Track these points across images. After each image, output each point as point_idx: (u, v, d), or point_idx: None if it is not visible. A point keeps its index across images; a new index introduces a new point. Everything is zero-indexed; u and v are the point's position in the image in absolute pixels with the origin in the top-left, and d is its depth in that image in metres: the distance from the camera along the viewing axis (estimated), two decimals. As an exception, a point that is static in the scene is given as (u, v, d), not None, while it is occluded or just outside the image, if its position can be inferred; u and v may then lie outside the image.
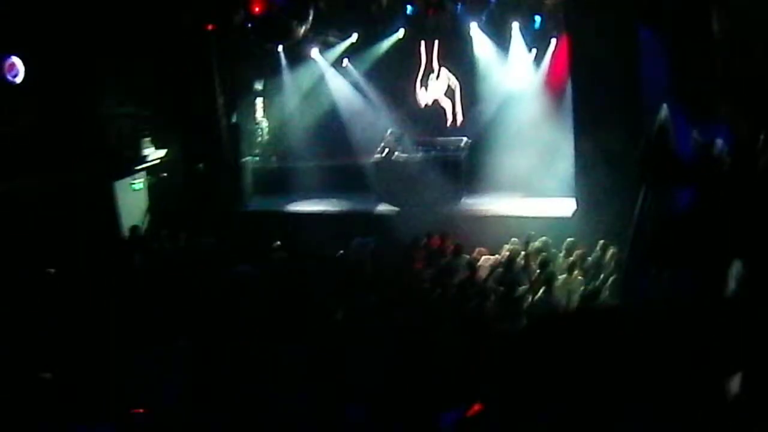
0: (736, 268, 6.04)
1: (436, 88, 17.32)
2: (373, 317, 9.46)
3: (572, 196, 14.24)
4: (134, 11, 14.63)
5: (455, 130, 17.28)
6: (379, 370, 8.10)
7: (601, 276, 10.57)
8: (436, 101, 17.29)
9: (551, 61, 16.59)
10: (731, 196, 6.95)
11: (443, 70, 17.30)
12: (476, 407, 5.14)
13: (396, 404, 7.41)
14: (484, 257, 11.97)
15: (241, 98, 17.75)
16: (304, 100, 18.56)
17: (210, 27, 15.85)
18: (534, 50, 16.80)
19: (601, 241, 11.42)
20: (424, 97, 17.26)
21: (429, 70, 17.29)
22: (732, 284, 6.04)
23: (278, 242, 13.28)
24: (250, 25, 15.53)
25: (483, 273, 11.32)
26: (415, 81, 17.24)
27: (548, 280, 10.09)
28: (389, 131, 16.67)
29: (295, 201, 17.10)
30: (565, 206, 14.50)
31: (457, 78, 17.28)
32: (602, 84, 12.65)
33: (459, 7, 16.16)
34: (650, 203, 7.96)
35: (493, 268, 11.45)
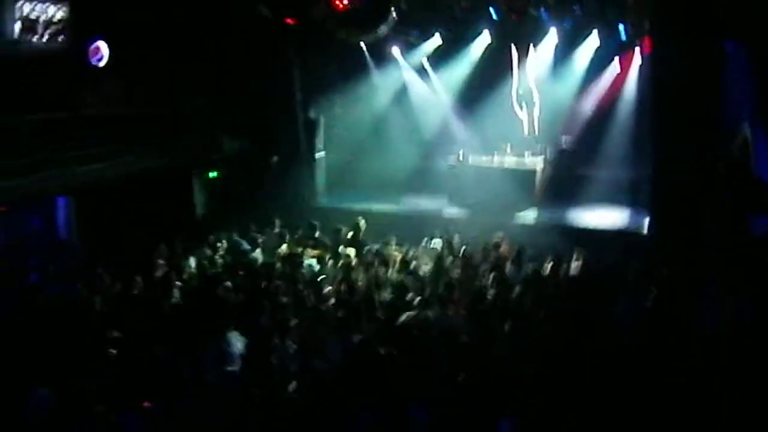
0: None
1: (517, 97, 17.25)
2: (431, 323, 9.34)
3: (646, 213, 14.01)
4: (216, 2, 14.82)
5: (532, 140, 17.10)
6: (440, 373, 8.02)
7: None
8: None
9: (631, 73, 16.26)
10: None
11: (524, 79, 17.17)
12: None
13: (458, 408, 7.35)
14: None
15: (320, 94, 17.73)
16: (383, 99, 18.49)
17: (290, 21, 15.87)
18: (616, 59, 16.43)
19: None
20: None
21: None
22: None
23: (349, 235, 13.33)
24: (330, 19, 15.51)
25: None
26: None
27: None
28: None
29: (367, 198, 17.06)
30: (640, 221, 14.29)
31: (536, 85, 17.10)
32: (683, 99, 12.21)
33: (543, 12, 15.81)
34: (724, 226, 7.61)
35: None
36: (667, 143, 12.79)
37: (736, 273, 7.35)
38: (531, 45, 16.93)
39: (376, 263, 11.93)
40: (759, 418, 6.51)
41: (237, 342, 9.01)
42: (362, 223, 13.62)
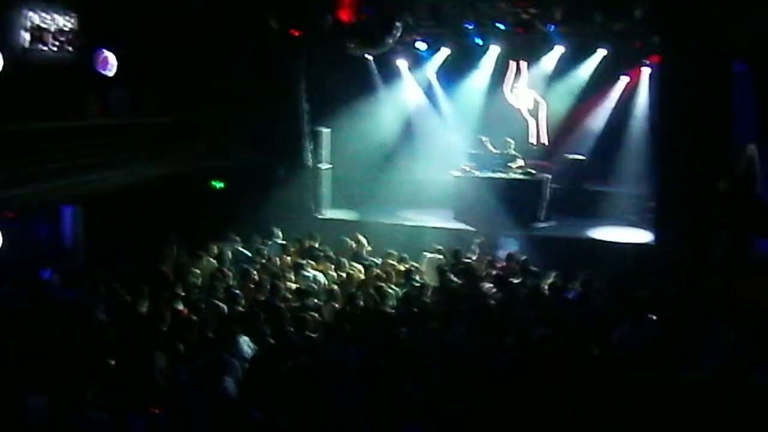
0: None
1: (522, 99, 17.23)
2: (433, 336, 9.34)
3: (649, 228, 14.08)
4: (221, 13, 14.91)
5: (537, 152, 17.10)
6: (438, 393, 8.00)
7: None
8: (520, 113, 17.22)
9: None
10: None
11: (531, 90, 17.17)
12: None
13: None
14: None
15: (327, 106, 17.72)
16: (389, 112, 18.48)
17: (297, 32, 15.89)
18: (623, 77, 16.46)
19: None
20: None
21: (517, 80, 17.32)
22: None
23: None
24: (337, 32, 15.55)
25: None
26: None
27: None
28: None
29: (371, 212, 17.03)
30: (643, 237, 14.36)
31: (544, 100, 17.14)
32: (690, 117, 12.23)
33: (552, 28, 15.85)
34: (726, 249, 7.57)
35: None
36: (673, 160, 12.80)
37: (736, 302, 7.27)
38: (536, 58, 17.00)
39: (378, 276, 11.96)
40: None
41: (246, 347, 9.07)
42: (363, 239, 13.67)
